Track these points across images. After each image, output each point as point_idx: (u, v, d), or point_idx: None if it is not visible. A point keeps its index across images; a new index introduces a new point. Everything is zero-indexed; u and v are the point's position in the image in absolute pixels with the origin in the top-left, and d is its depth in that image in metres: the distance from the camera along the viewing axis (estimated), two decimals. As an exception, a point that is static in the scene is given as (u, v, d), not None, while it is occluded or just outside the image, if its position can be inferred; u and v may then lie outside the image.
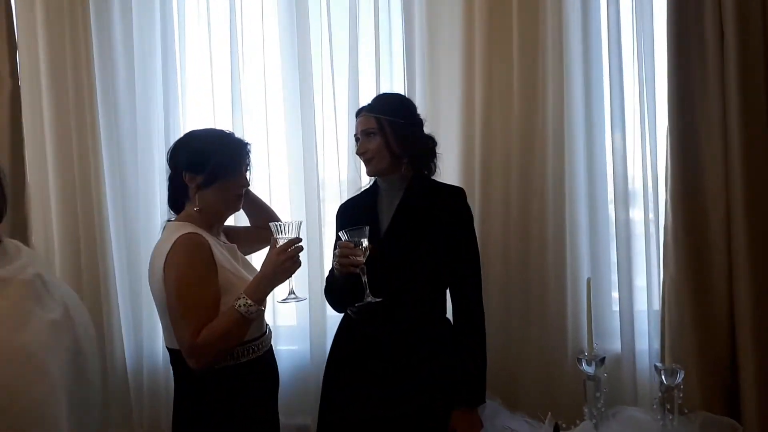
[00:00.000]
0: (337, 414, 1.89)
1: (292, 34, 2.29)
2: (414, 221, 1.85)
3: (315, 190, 2.30)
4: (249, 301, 1.60)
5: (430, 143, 1.94)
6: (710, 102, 2.00)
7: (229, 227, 1.99)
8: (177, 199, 1.79)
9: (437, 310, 1.91)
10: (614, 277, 2.20)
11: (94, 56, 2.27)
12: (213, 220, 1.78)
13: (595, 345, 1.99)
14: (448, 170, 2.25)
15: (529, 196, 2.21)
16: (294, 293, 1.75)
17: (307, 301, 2.26)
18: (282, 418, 2.32)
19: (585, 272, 2.19)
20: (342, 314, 1.96)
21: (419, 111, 2.23)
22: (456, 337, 1.86)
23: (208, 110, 2.35)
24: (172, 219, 1.77)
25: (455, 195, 1.90)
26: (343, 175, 2.29)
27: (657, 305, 2.12)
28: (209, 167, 1.70)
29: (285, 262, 1.63)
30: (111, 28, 2.31)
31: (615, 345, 2.18)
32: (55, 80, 2.31)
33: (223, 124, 2.29)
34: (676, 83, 2.01)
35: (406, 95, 2.23)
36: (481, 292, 1.90)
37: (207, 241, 1.66)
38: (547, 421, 1.82)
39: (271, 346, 1.88)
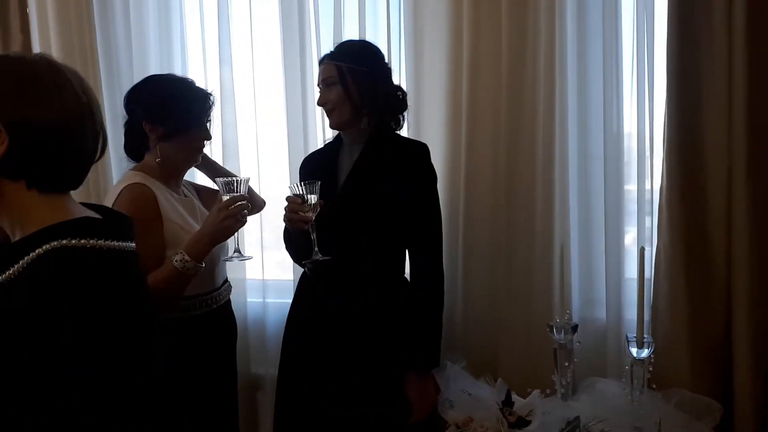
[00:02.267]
0: (292, 379, 1.88)
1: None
2: (372, 178, 1.77)
3: (302, 148, 2.24)
4: (186, 257, 1.58)
5: (399, 94, 1.84)
6: (715, 44, 1.75)
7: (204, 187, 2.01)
8: (135, 146, 1.78)
9: (394, 270, 1.84)
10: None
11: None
12: (172, 172, 1.78)
13: (567, 312, 1.87)
14: (433, 122, 2.14)
15: (518, 152, 2.04)
16: (239, 251, 1.73)
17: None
18: (272, 370, 2.36)
19: (575, 234, 2.02)
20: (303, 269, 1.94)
21: (401, 56, 2.13)
22: (411, 299, 1.79)
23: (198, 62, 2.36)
24: (131, 168, 1.78)
25: (417, 152, 1.80)
26: (329, 133, 2.23)
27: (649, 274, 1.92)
28: (171, 120, 1.69)
29: (225, 221, 1.59)
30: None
31: (603, 314, 2.02)
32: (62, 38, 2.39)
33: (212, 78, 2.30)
34: (677, 21, 1.76)
35: (390, 39, 2.12)
36: (440, 253, 1.81)
37: (152, 192, 1.67)
38: (497, 387, 1.73)
39: (228, 300, 1.89)
